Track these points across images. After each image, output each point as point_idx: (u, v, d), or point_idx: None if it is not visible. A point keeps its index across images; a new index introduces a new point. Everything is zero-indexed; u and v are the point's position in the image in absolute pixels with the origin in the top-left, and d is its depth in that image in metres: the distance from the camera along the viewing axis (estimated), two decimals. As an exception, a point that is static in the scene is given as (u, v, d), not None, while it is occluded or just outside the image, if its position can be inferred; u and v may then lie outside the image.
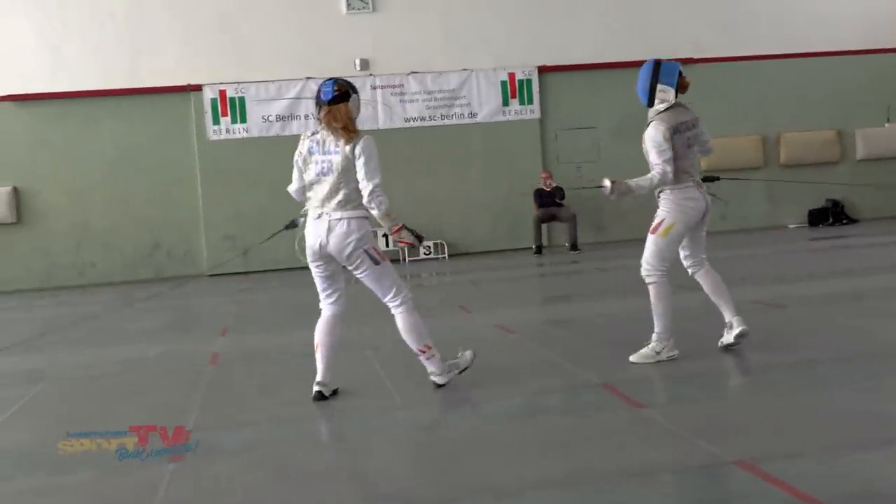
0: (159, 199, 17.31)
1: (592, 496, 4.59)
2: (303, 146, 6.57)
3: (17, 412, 7.17)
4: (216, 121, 17.66)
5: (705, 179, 7.53)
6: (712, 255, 16.53)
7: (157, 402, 7.20)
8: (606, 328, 9.62)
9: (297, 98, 17.93)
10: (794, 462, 4.71)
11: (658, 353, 7.27)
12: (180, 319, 12.76)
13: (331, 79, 6.71)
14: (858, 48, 19.60)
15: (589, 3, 18.71)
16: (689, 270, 7.55)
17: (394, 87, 18.27)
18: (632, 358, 7.29)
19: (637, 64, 19.09)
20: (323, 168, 6.47)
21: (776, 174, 19.47)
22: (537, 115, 18.75)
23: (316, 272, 6.74)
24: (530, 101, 18.67)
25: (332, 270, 6.75)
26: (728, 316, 7.50)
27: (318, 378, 6.76)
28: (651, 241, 7.26)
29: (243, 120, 17.74)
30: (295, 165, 6.61)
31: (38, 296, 16.48)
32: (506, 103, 18.60)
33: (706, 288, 7.57)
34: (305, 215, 6.77)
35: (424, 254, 18.16)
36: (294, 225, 7.12)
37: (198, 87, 17.63)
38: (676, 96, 7.17)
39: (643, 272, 7.33)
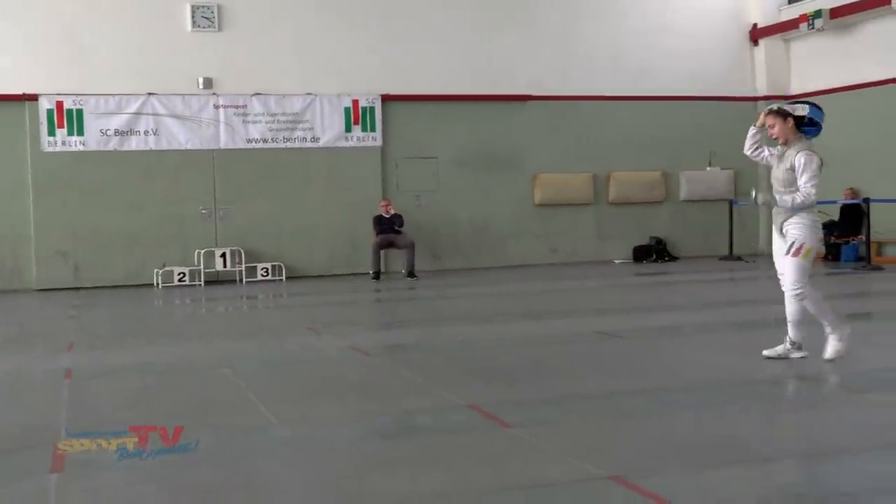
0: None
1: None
2: None
3: None
4: (52, 132, 17.29)
5: None
6: (549, 286, 17.12)
7: (17, 422, 7.02)
8: (458, 351, 9.80)
9: (138, 113, 17.71)
10: (663, 478, 4.98)
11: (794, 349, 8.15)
12: (19, 334, 12.39)
13: None
14: (686, 95, 20.69)
15: (435, 37, 19.21)
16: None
17: (237, 107, 18.27)
18: (765, 353, 8.24)
19: (479, 98, 19.78)
20: None
21: (604, 211, 20.41)
22: (379, 142, 19.05)
23: None
24: (373, 129, 18.95)
25: None
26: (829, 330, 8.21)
27: None
28: (793, 264, 7.94)
29: (80, 133, 17.40)
30: None
31: None
32: (348, 129, 18.80)
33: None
34: None
35: (262, 275, 18.20)
36: None
37: (34, 97, 17.21)
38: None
39: (793, 291, 7.98)
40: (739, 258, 20.01)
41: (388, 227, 18.19)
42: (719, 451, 5.61)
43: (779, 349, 8.28)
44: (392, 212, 18.33)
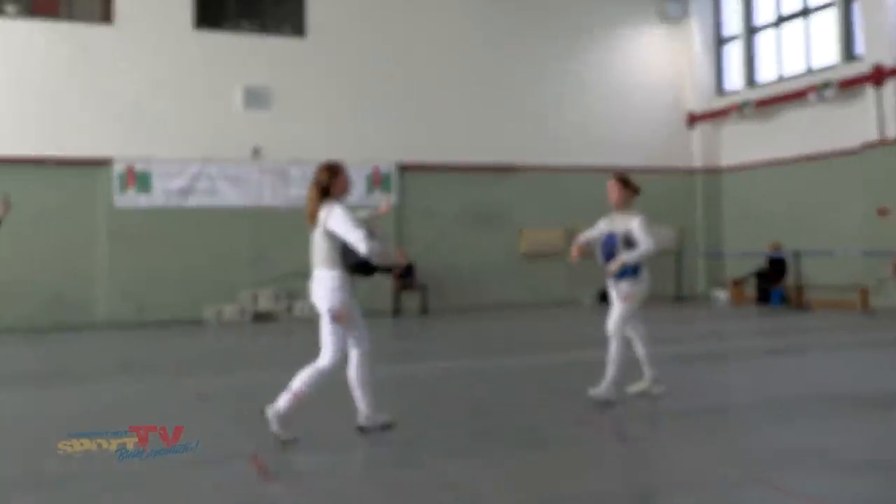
0: (62, 255, 13.73)
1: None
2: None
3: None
4: (123, 191, 14.25)
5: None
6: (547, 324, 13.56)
7: None
8: (541, 375, 8.32)
9: (198, 175, 14.68)
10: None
11: (655, 383, 6.78)
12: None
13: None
14: (637, 167, 17.56)
15: (439, 116, 16.35)
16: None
17: (279, 172, 15.23)
18: (630, 389, 6.71)
19: (472, 169, 16.52)
20: None
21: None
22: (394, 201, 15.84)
23: None
24: (390, 190, 15.92)
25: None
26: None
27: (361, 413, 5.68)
28: (620, 308, 6.55)
29: (148, 191, 14.36)
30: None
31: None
32: (370, 191, 15.75)
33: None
34: None
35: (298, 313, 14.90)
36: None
37: (109, 162, 14.18)
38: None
39: (610, 330, 6.53)
40: (685, 298, 17.30)
41: (404, 274, 15.27)
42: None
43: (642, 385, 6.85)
44: (406, 261, 15.28)
